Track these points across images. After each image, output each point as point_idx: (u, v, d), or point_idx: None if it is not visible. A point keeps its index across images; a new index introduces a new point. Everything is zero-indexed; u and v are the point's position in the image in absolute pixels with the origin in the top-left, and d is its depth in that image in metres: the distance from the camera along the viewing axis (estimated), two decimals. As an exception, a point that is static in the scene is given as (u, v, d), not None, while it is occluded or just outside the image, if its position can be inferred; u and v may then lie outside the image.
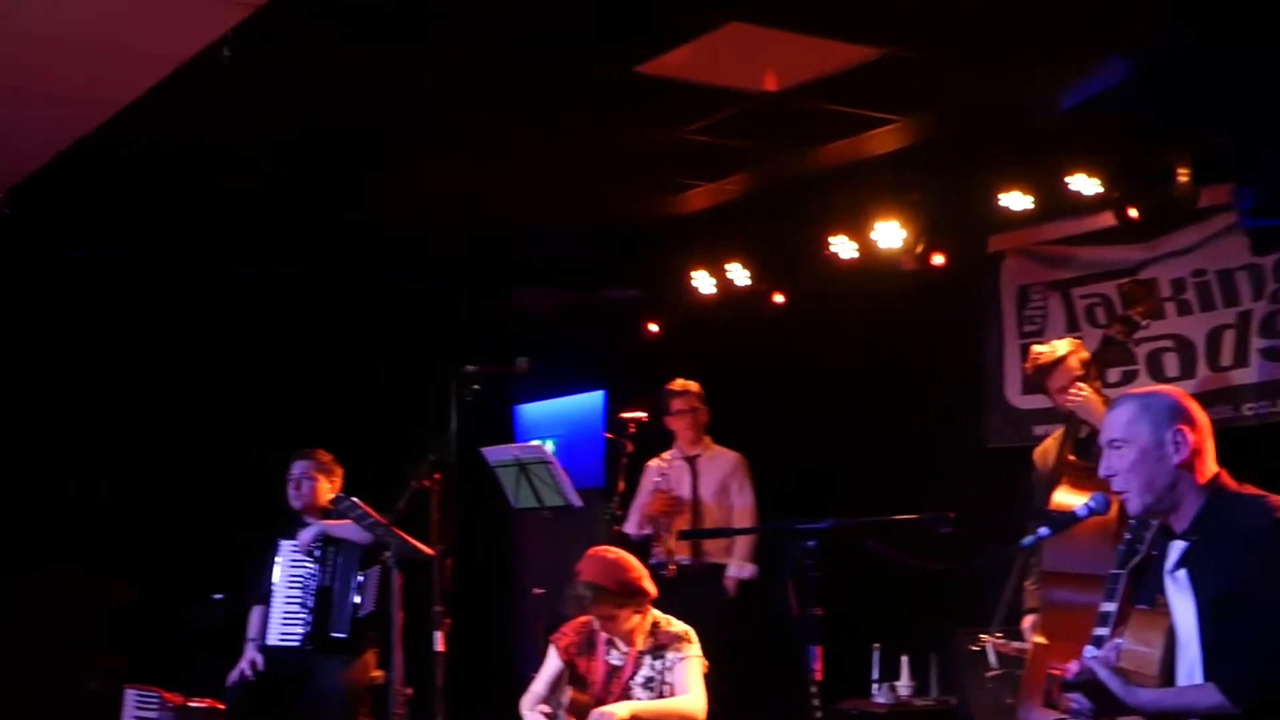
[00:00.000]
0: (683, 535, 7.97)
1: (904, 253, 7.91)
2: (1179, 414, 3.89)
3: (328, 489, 7.25)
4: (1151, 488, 3.88)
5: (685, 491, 8.09)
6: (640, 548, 8.04)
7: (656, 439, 8.05)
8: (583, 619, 5.72)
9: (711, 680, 6.62)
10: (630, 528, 8.17)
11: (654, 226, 8.90)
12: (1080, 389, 6.04)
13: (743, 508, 8.05)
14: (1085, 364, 6.25)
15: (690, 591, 7.86)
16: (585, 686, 5.64)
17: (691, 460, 8.17)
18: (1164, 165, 6.62)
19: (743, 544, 7.97)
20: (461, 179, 7.92)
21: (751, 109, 6.84)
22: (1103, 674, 3.78)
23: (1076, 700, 3.88)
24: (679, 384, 8.21)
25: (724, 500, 8.09)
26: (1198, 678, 3.77)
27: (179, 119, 6.76)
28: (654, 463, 8.26)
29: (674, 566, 7.93)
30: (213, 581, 7.19)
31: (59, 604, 8.33)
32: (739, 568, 7.94)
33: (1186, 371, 7.23)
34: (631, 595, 5.53)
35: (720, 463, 8.18)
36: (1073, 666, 3.88)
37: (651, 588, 5.60)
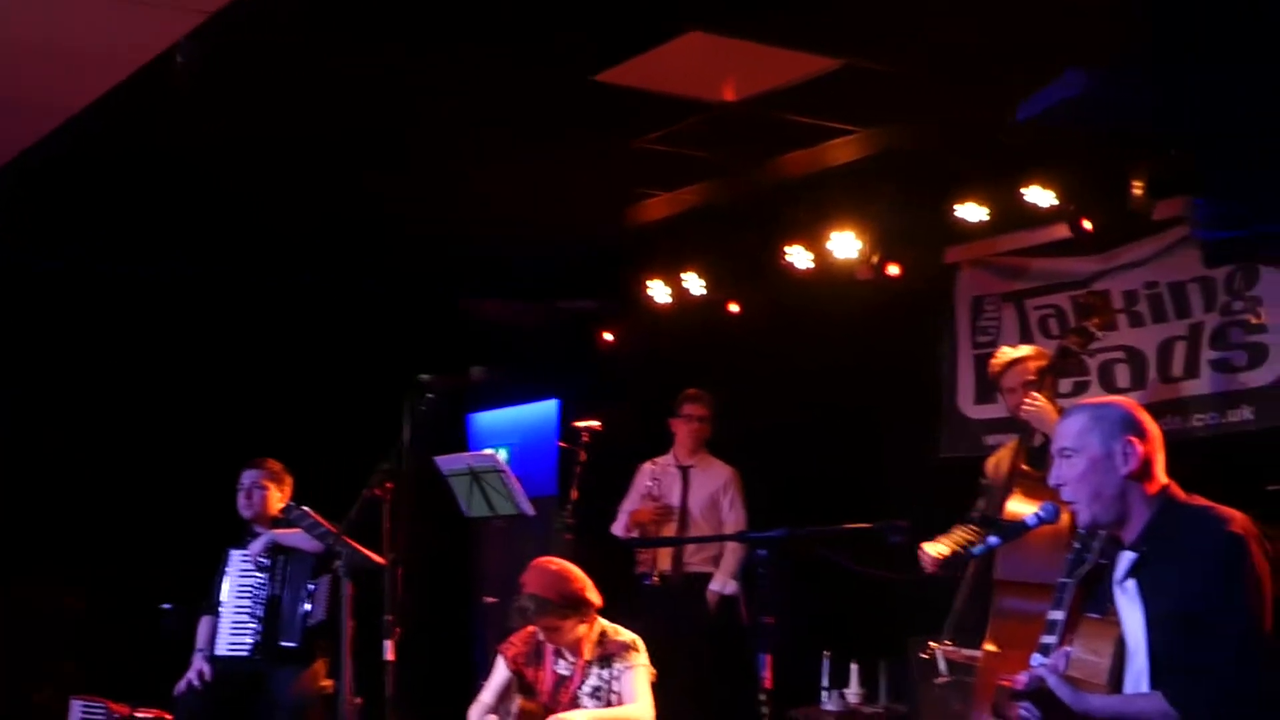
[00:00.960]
0: (637, 543, 8.02)
1: (860, 263, 7.96)
2: (1129, 425, 3.94)
3: (278, 498, 7.24)
4: (1100, 498, 3.93)
5: (675, 500, 8.14)
6: (625, 552, 8.10)
7: (611, 448, 8.07)
8: (530, 628, 5.73)
9: (676, 690, 6.66)
10: (618, 529, 8.25)
11: (610, 236, 8.92)
12: (1035, 398, 6.10)
13: (732, 522, 8.09)
14: (1040, 371, 6.32)
15: (673, 603, 7.96)
16: (534, 695, 5.64)
17: (685, 470, 8.23)
18: (1119, 178, 6.70)
19: (729, 559, 8.00)
20: (418, 187, 7.92)
21: (710, 119, 6.87)
22: (1052, 681, 3.82)
23: (1025, 709, 3.92)
24: (695, 391, 8.28)
25: (713, 513, 8.13)
26: (1144, 687, 3.82)
27: (130, 125, 6.73)
28: (648, 466, 8.32)
29: (658, 577, 7.98)
30: (162, 591, 7.16)
31: (7, 612, 8.28)
32: (722, 583, 7.98)
33: (1137, 382, 7.30)
34: (575, 606, 5.54)
35: (713, 475, 8.24)
36: (1022, 677, 3.92)
37: (596, 598, 5.60)
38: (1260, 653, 3.63)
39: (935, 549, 6.35)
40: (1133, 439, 3.91)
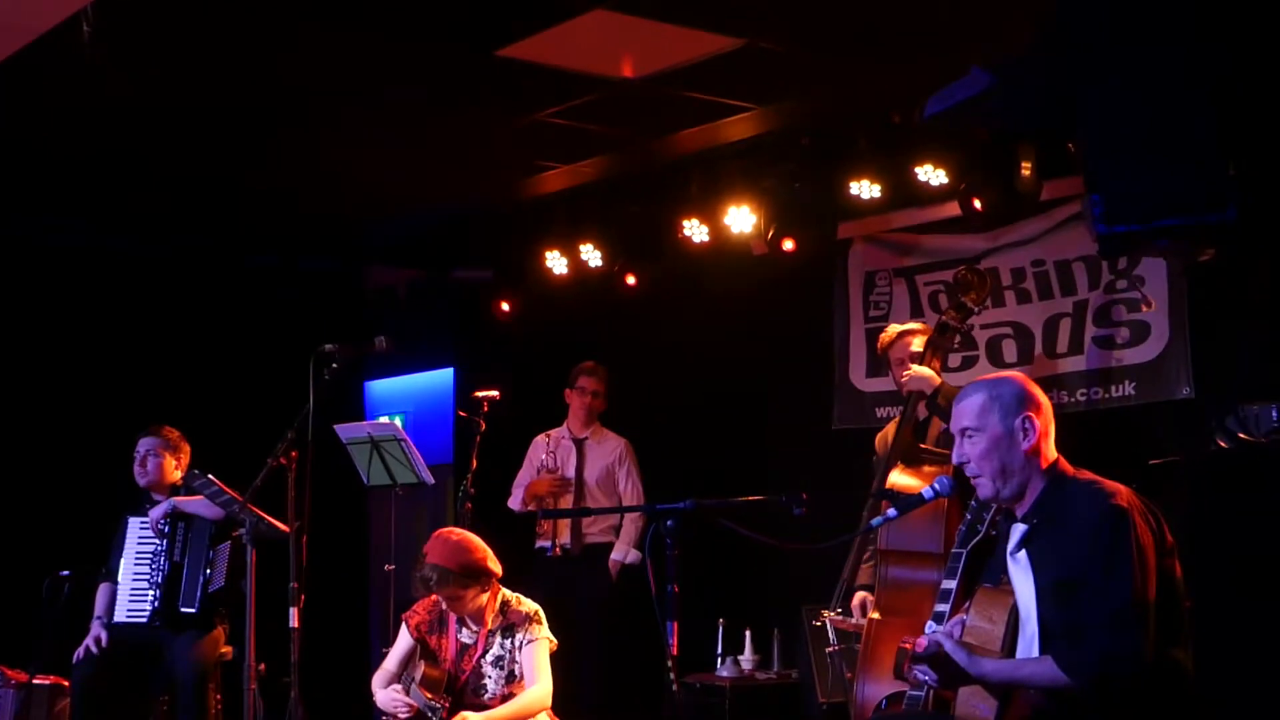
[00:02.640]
0: (544, 514, 8.08)
1: (755, 238, 8.05)
2: (1026, 401, 4.08)
3: (174, 466, 7.21)
4: (1004, 474, 4.07)
5: (570, 472, 8.20)
6: (525, 523, 8.14)
7: (509, 418, 8.13)
8: (433, 597, 5.79)
9: (579, 658, 6.74)
10: (514, 503, 8.27)
11: (508, 207, 8.94)
12: (911, 368, 6.26)
13: (630, 494, 8.17)
14: (925, 345, 6.48)
15: (573, 573, 8.03)
16: (438, 662, 5.70)
17: (579, 443, 8.28)
18: (1008, 159, 6.86)
19: (630, 529, 8.08)
20: (318, 158, 7.89)
21: (610, 94, 6.92)
22: (948, 646, 3.96)
23: (923, 671, 4.06)
24: (591, 364, 8.33)
25: (609, 485, 8.20)
26: (1035, 652, 3.97)
27: (33, 91, 6.67)
28: (541, 439, 8.36)
29: (558, 548, 8.05)
30: (60, 558, 7.10)
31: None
32: (624, 553, 8.06)
33: (1024, 357, 7.46)
34: (476, 576, 5.59)
35: (607, 447, 8.29)
36: (921, 641, 4.05)
37: (496, 567, 5.65)
38: (1141, 619, 3.78)
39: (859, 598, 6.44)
40: (1031, 415, 4.05)
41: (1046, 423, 4.09)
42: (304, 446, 6.39)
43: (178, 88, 6.77)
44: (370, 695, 5.73)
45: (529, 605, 5.75)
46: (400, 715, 5.50)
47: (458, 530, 5.81)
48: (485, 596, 5.65)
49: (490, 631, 5.67)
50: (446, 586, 5.56)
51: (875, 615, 6.01)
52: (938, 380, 6.21)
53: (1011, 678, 3.95)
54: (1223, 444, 5.92)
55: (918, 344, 6.47)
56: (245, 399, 8.88)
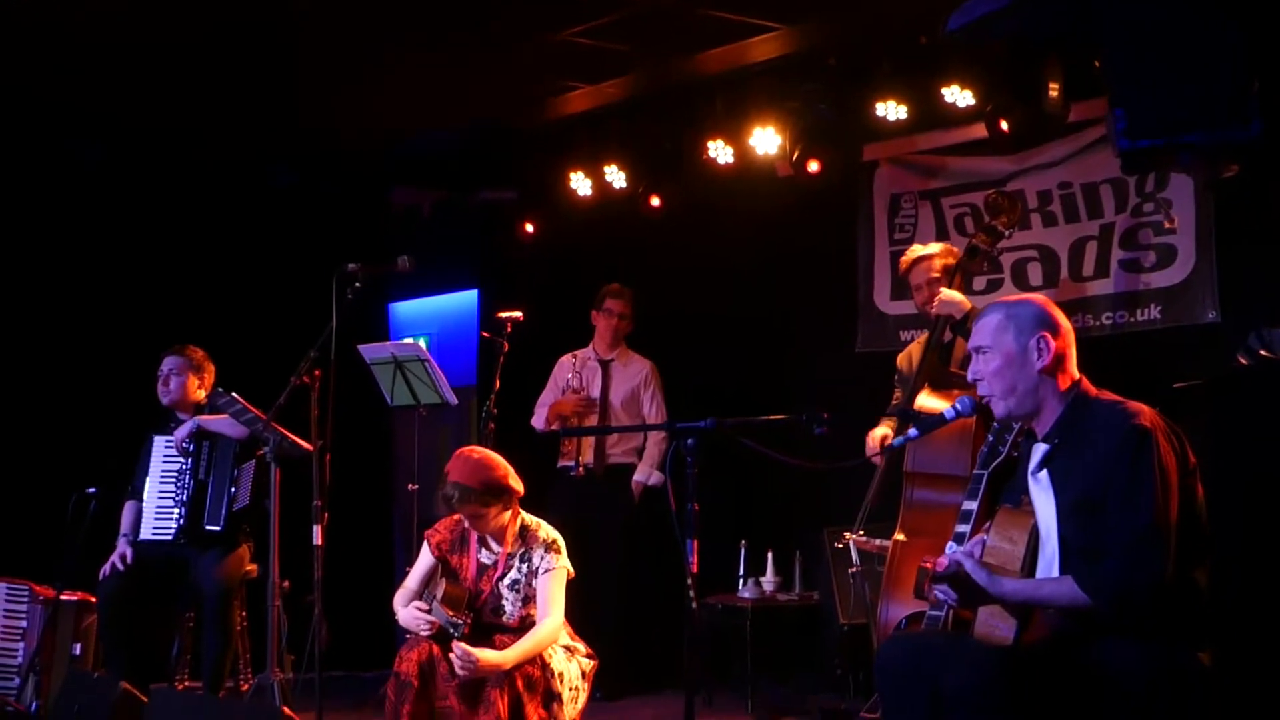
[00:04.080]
0: (566, 432, 8.10)
1: (780, 159, 8.02)
2: (1043, 322, 4.08)
3: (196, 385, 7.23)
4: (1014, 392, 4.09)
5: (596, 393, 8.21)
6: (548, 443, 8.16)
7: (532, 339, 8.14)
8: (455, 517, 5.81)
9: (601, 578, 6.72)
10: (538, 422, 8.27)
11: (532, 128, 8.90)
12: (943, 291, 6.24)
13: (654, 415, 8.17)
14: (947, 269, 6.45)
15: (596, 494, 8.06)
16: (458, 579, 5.73)
17: (605, 364, 8.28)
18: (1035, 80, 6.80)
19: (653, 451, 8.11)
20: (342, 79, 7.87)
21: (635, 13, 6.87)
22: (969, 565, 3.97)
23: (943, 591, 4.07)
24: (617, 286, 8.32)
25: (634, 406, 8.20)
26: (1055, 571, 3.99)
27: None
28: (567, 359, 8.35)
29: (581, 468, 8.07)
30: (86, 475, 7.13)
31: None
32: (647, 473, 8.08)
33: (1049, 281, 7.44)
34: (497, 494, 5.61)
35: (633, 369, 8.29)
36: (942, 560, 4.06)
37: (518, 485, 5.67)
38: (1162, 540, 3.78)
39: (879, 432, 6.49)
40: (1046, 335, 4.05)
41: (1065, 344, 4.09)
42: (327, 366, 6.41)
43: (201, 5, 6.74)
44: (393, 613, 5.76)
45: (549, 532, 5.76)
46: (422, 632, 5.53)
47: (479, 449, 5.83)
48: (507, 515, 5.67)
49: (510, 555, 5.69)
50: (468, 504, 5.58)
51: (900, 536, 6.04)
52: (968, 305, 6.20)
53: (1031, 597, 3.96)
54: (1244, 361, 5.88)
55: (937, 266, 6.45)
56: (269, 319, 8.88)
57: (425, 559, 5.86)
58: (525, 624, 5.65)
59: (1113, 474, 3.86)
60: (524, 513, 5.79)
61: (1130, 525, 3.80)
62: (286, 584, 6.58)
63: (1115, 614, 3.80)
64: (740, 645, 7.67)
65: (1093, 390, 4.10)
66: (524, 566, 5.68)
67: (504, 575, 5.68)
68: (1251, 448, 6.01)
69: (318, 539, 6.33)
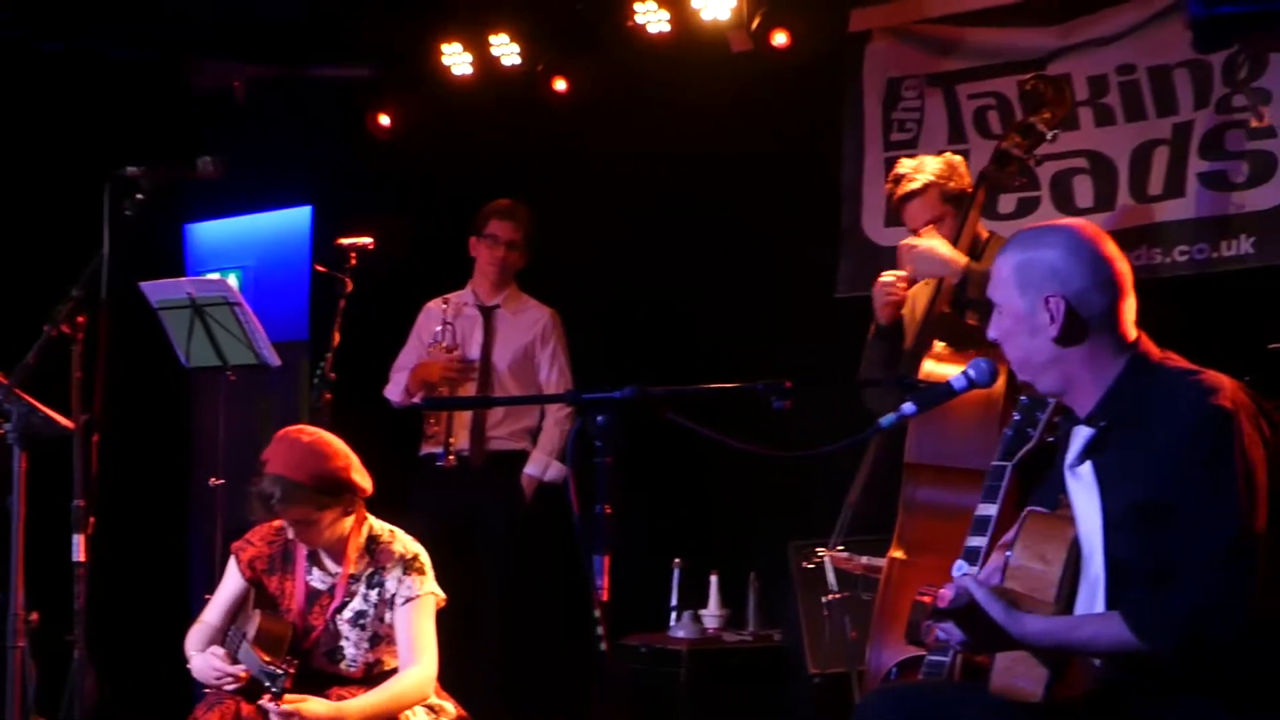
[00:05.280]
0: (429, 404, 8.08)
1: (734, 27, 8.04)
2: (1054, 274, 4.04)
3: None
4: (1029, 364, 4.12)
5: (474, 351, 8.19)
6: (408, 421, 8.13)
7: (387, 276, 8.10)
8: (274, 524, 5.78)
9: (479, 609, 6.71)
10: (393, 391, 8.25)
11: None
12: (917, 240, 6.27)
13: (554, 383, 8.18)
14: (952, 195, 6.45)
15: (473, 491, 8.05)
16: (279, 611, 5.70)
17: (488, 311, 8.26)
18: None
19: (551, 433, 8.12)
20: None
21: None
22: (981, 596, 3.95)
23: (946, 630, 4.07)
24: (506, 202, 8.23)
25: (526, 370, 8.20)
26: (1100, 603, 3.99)
27: None
28: (435, 305, 8.31)
29: (453, 456, 8.05)
30: None
31: None
32: (542, 465, 8.09)
33: (1103, 202, 7.50)
34: (335, 492, 5.57)
35: (526, 319, 8.28)
36: (946, 591, 4.06)
37: (364, 481, 5.65)
38: (1247, 561, 3.78)
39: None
40: (1056, 297, 4.02)
41: (1109, 298, 4.04)
42: (96, 310, 6.35)
43: None
44: (186, 659, 5.74)
45: (407, 545, 5.74)
46: (226, 687, 5.50)
47: (310, 430, 5.80)
48: (349, 522, 5.66)
49: (352, 577, 5.68)
50: (295, 506, 5.54)
51: (898, 554, 6.08)
52: (961, 260, 6.19)
53: (1067, 641, 3.96)
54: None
55: (934, 197, 6.45)
56: (18, 241, 8.82)
57: (232, 582, 5.85)
58: (372, 674, 5.66)
59: (1183, 471, 3.85)
60: (372, 519, 5.78)
61: (1205, 543, 3.80)
62: (35, 616, 6.52)
63: (1185, 661, 3.81)
64: (671, 702, 7.69)
65: (1156, 354, 4.09)
66: (373, 594, 5.67)
67: (344, 606, 5.67)
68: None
69: (79, 553, 6.29)
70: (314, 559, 5.75)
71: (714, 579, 8.08)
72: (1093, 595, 4.02)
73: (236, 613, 5.82)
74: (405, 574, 5.66)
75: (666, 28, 8.16)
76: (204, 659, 5.59)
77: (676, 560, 8.16)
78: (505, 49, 8.72)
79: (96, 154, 7.05)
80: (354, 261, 7.76)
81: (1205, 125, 7.22)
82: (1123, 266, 4.11)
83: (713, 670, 7.78)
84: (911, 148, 7.76)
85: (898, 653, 5.82)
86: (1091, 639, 3.93)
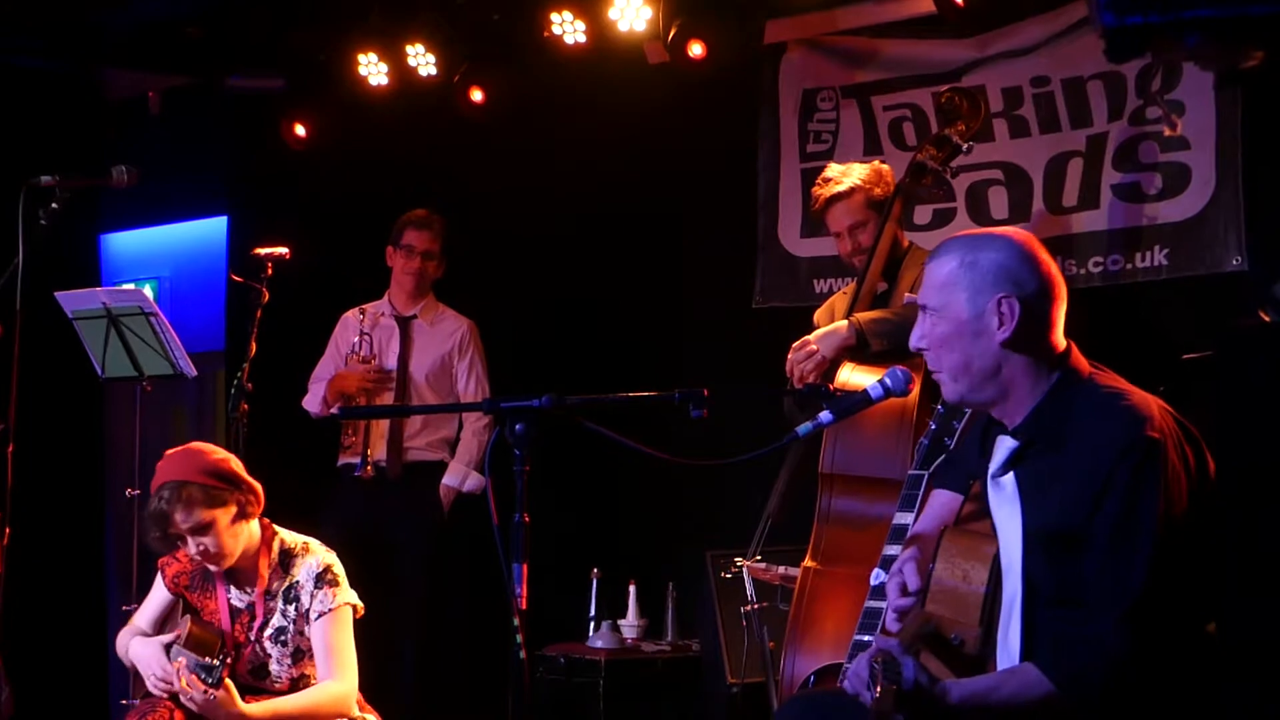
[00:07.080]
0: (345, 413, 8.05)
1: (651, 39, 8.03)
2: (1007, 276, 3.98)
3: None
4: (969, 371, 4.02)
5: (391, 361, 8.18)
6: (327, 434, 8.10)
7: (303, 286, 8.07)
8: (192, 548, 5.70)
9: (397, 620, 6.67)
10: (313, 404, 8.23)
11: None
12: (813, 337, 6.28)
13: (472, 393, 8.15)
14: (876, 202, 6.48)
15: (390, 502, 8.04)
16: (207, 623, 5.65)
17: (405, 322, 8.26)
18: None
19: (469, 443, 8.12)
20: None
21: None
22: (908, 670, 3.75)
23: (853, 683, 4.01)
24: (423, 213, 8.24)
25: (444, 381, 8.20)
26: (1015, 622, 3.93)
27: None
28: (352, 315, 8.30)
29: (370, 467, 8.03)
30: None
31: None
32: (461, 475, 8.08)
33: (1018, 213, 7.51)
34: (228, 484, 5.49)
35: (444, 330, 8.29)
36: (857, 666, 3.97)
37: (254, 482, 5.60)
38: (1161, 604, 3.73)
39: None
40: (1009, 298, 3.95)
41: (1050, 305, 4.01)
42: (10, 320, 6.32)
43: None
44: (113, 658, 5.68)
45: (321, 556, 5.69)
46: (159, 689, 5.43)
47: (197, 443, 5.73)
48: (251, 528, 5.59)
49: (268, 593, 5.61)
50: (191, 509, 5.41)
51: (812, 563, 6.06)
52: (842, 323, 6.21)
53: (990, 704, 3.83)
54: (1266, 317, 5.95)
55: (859, 203, 6.47)
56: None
57: (160, 592, 5.81)
58: (298, 689, 5.62)
59: (1100, 502, 3.80)
60: (284, 532, 5.73)
61: (1119, 586, 3.74)
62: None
63: (1107, 709, 3.75)
64: (590, 712, 7.68)
65: (1086, 368, 4.04)
66: (290, 609, 5.62)
67: (265, 623, 5.62)
68: (1267, 429, 6.06)
69: (-7, 566, 6.27)
70: (230, 576, 5.68)
71: (632, 589, 8.08)
72: (1009, 615, 3.96)
73: (166, 620, 5.78)
74: (318, 588, 5.60)
75: (583, 39, 8.15)
76: (147, 644, 5.53)
77: (595, 570, 8.15)
78: (421, 59, 8.68)
79: (8, 164, 7.01)
80: (270, 272, 7.73)
81: (1119, 137, 7.25)
82: (1059, 274, 4.08)
83: (631, 680, 7.77)
84: (828, 159, 7.75)
85: (814, 661, 5.82)
86: (1013, 696, 3.80)
